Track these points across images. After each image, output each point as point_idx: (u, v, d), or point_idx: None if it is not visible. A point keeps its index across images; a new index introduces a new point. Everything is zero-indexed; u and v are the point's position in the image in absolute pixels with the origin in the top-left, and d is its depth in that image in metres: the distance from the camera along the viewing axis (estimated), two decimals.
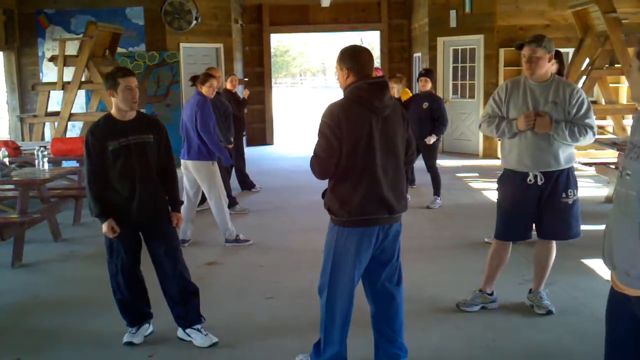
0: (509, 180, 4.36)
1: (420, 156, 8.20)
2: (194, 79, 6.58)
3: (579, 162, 8.18)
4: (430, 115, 7.85)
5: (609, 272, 2.44)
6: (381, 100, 3.30)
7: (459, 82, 12.84)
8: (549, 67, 4.21)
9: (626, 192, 2.29)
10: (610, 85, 10.45)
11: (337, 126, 3.26)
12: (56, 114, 10.02)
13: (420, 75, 8.11)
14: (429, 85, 7.99)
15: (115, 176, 3.92)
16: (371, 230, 3.38)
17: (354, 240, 3.37)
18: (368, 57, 3.41)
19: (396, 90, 8.45)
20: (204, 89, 6.32)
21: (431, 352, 3.99)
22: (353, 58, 3.35)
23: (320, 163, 3.34)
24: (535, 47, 4.12)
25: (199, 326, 4.16)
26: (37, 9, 11.80)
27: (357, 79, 3.32)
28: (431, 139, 7.83)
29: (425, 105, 7.87)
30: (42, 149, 6.87)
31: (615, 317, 2.45)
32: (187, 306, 4.13)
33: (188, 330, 4.14)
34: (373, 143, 3.27)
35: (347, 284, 3.46)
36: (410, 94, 8.70)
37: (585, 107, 4.15)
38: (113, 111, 3.99)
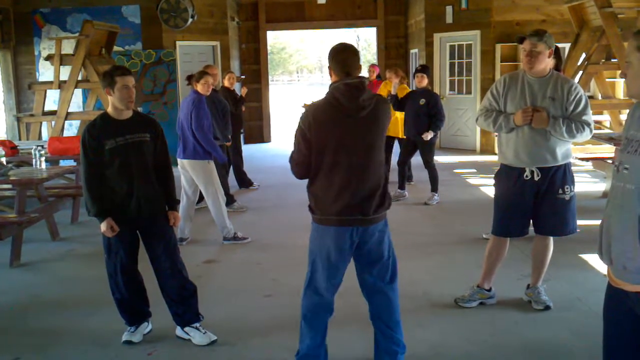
0: (506, 175, 4.36)
1: (417, 152, 8.23)
2: (190, 78, 6.58)
3: (576, 157, 8.20)
4: (427, 112, 7.85)
5: (606, 267, 2.45)
6: (356, 102, 3.24)
7: (456, 78, 12.84)
8: (549, 62, 4.21)
9: (623, 185, 2.29)
10: (607, 80, 10.47)
11: (308, 128, 3.27)
12: (53, 113, 10.01)
13: (417, 71, 8.12)
14: (425, 82, 7.99)
15: (113, 175, 3.92)
16: (343, 230, 3.33)
17: (326, 240, 3.38)
18: (349, 55, 3.33)
19: (393, 83, 8.45)
20: (199, 87, 6.32)
21: (429, 348, 4.00)
22: (334, 57, 3.33)
23: (294, 164, 3.41)
24: (536, 41, 4.12)
25: (197, 324, 4.17)
26: (33, 8, 11.77)
27: (337, 78, 3.30)
28: (428, 135, 7.84)
29: (423, 101, 7.87)
30: (39, 148, 6.86)
31: (613, 313, 2.46)
32: (185, 304, 4.14)
33: (187, 329, 4.15)
34: (345, 144, 3.25)
35: (320, 283, 3.48)
36: (408, 89, 8.69)
37: (583, 103, 4.15)
38: (109, 110, 3.99)
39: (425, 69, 8.21)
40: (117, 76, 3.88)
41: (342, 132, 3.24)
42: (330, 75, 3.38)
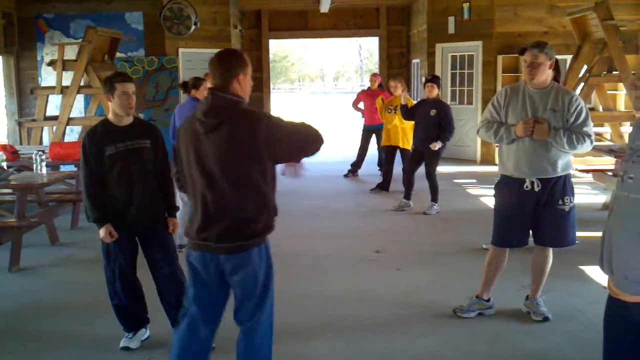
0: (506, 186, 4.37)
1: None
2: (184, 86, 6.53)
3: (576, 169, 8.19)
4: (437, 122, 7.83)
5: (606, 279, 2.45)
6: (200, 114, 2.97)
7: (457, 88, 12.85)
8: (550, 74, 4.23)
9: (628, 195, 2.29)
10: (608, 92, 10.48)
11: (177, 142, 3.12)
12: (55, 118, 10.02)
13: (427, 81, 8.09)
14: (435, 92, 7.96)
15: (113, 181, 3.93)
16: (199, 255, 3.05)
17: (191, 263, 3.11)
18: (214, 64, 3.04)
19: (403, 95, 8.44)
20: (198, 94, 6.29)
21: (428, 357, 3.99)
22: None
23: None
24: (537, 53, 4.14)
25: None
26: (37, 13, 11.81)
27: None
28: (436, 145, 7.80)
29: (433, 112, 7.84)
30: (40, 153, 6.86)
31: (613, 325, 2.46)
32: None
33: None
34: (193, 160, 2.99)
35: (192, 311, 3.14)
36: (412, 102, 8.70)
37: (583, 115, 4.16)
38: (110, 116, 4.01)
39: (436, 79, 8.19)
40: (117, 83, 3.90)
41: (193, 148, 2.98)
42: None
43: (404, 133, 8.98)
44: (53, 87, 9.96)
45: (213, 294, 3.12)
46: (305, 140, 3.05)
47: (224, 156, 2.92)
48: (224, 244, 2.97)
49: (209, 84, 6.40)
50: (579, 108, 4.17)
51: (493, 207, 4.60)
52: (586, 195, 8.70)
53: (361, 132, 10.89)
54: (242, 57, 3.10)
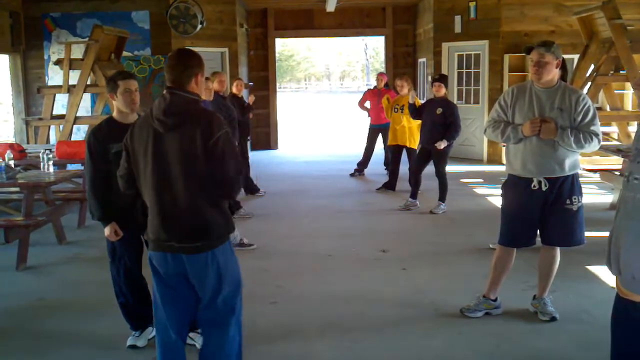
0: (514, 186, 4.36)
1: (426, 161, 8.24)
2: None
3: (584, 169, 8.17)
4: (443, 121, 7.82)
5: (614, 279, 2.44)
6: (159, 113, 2.95)
7: (464, 87, 12.83)
8: (556, 73, 4.21)
9: (634, 195, 2.29)
10: (615, 91, 10.44)
11: (130, 141, 3.09)
12: (61, 117, 10.04)
13: (434, 80, 8.09)
14: (443, 91, 7.95)
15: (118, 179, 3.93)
16: (158, 255, 3.05)
17: (152, 265, 3.12)
18: (172, 63, 3.03)
19: (411, 94, 8.44)
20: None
21: (434, 357, 3.98)
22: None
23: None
24: (544, 52, 4.12)
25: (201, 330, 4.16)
26: (43, 12, 11.84)
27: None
28: (442, 144, 7.79)
29: (439, 110, 7.84)
30: (47, 151, 6.88)
31: (621, 325, 2.45)
32: None
33: (191, 334, 4.14)
34: (149, 160, 2.97)
35: (159, 313, 3.17)
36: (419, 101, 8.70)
37: (591, 114, 4.15)
38: (115, 114, 4.03)
39: (443, 78, 8.19)
40: (119, 80, 3.93)
41: (146, 147, 2.98)
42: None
43: (410, 132, 8.97)
44: (60, 86, 9.98)
45: (178, 294, 3.12)
46: (235, 170, 2.98)
47: (182, 154, 2.91)
48: (185, 244, 2.97)
49: (210, 84, 6.42)
50: (586, 107, 4.15)
51: (500, 206, 4.59)
52: (593, 195, 8.67)
53: (367, 132, 10.88)
54: (200, 58, 3.10)
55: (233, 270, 3.15)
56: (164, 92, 3.01)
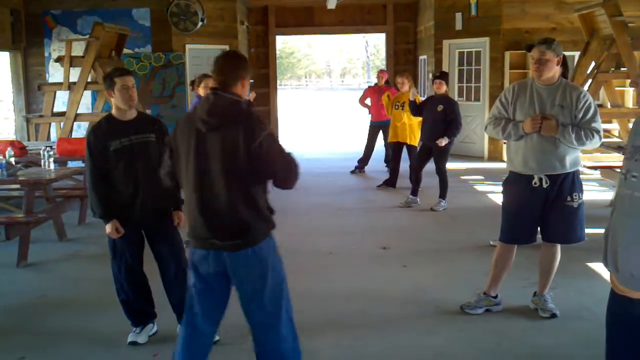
0: (514, 183, 4.36)
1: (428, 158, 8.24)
2: (192, 84, 6.59)
3: (584, 166, 8.16)
4: (444, 118, 7.82)
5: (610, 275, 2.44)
6: (203, 113, 2.98)
7: (465, 84, 12.83)
8: (557, 70, 4.21)
9: (631, 193, 2.29)
10: (616, 88, 10.43)
11: (174, 140, 3.13)
12: (62, 114, 10.05)
13: (435, 77, 8.09)
14: (443, 88, 7.95)
15: (118, 176, 3.94)
16: (200, 252, 3.09)
17: (194, 260, 3.14)
18: (213, 67, 3.08)
19: (412, 91, 8.44)
20: (201, 90, 6.34)
21: (435, 355, 3.99)
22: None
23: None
24: (544, 49, 4.12)
25: None
26: (44, 9, 11.84)
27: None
28: (443, 141, 7.78)
29: (440, 107, 7.84)
30: (48, 149, 6.89)
31: (616, 321, 2.46)
32: None
33: None
34: (191, 159, 3.00)
35: (193, 307, 3.19)
36: (420, 99, 8.70)
37: (592, 111, 4.14)
38: (113, 111, 4.03)
39: (444, 75, 8.19)
40: (115, 77, 3.92)
41: (189, 146, 3.01)
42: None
43: (411, 129, 8.97)
44: (60, 83, 9.99)
45: (215, 291, 3.14)
46: (287, 171, 3.08)
47: (224, 154, 2.94)
48: (226, 241, 3.00)
49: (211, 83, 6.41)
50: (587, 104, 4.15)
51: (501, 203, 4.59)
52: (594, 192, 8.67)
53: (368, 129, 10.88)
54: (248, 62, 3.16)
55: (275, 268, 3.14)
56: (208, 92, 3.04)
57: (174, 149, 3.12)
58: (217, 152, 2.95)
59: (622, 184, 2.35)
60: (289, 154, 3.08)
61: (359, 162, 10.97)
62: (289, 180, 3.11)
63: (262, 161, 2.96)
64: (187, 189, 3.09)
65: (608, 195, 8.37)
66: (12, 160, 6.56)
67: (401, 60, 15.28)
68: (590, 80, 9.73)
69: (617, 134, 10.51)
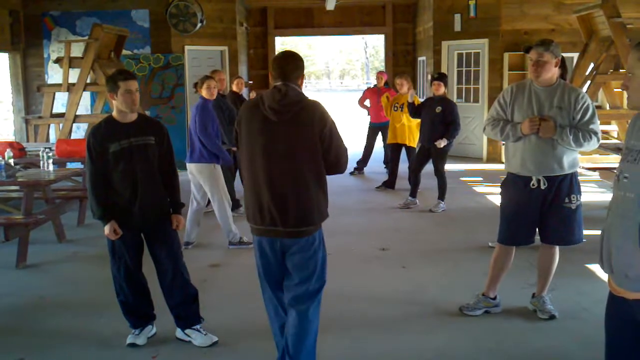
0: (513, 184, 4.36)
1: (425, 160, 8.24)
2: (196, 86, 6.60)
3: (583, 167, 8.17)
4: (442, 120, 7.83)
5: (607, 276, 2.45)
6: (274, 103, 3.19)
7: (464, 86, 12.84)
8: (555, 71, 4.21)
9: (624, 194, 2.30)
10: (615, 90, 10.43)
11: (238, 124, 3.35)
12: (61, 115, 10.05)
13: (434, 79, 8.10)
14: (442, 89, 7.95)
15: (117, 178, 3.93)
16: (264, 240, 3.30)
17: (256, 249, 3.39)
18: (278, 63, 3.32)
19: (410, 92, 8.45)
20: (204, 92, 6.34)
21: (434, 356, 3.99)
22: (273, 64, 3.38)
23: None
24: (542, 51, 4.12)
25: (198, 326, 4.18)
26: (43, 10, 11.84)
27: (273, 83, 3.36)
28: (441, 143, 7.79)
29: (439, 109, 7.84)
30: (47, 150, 6.89)
31: (614, 322, 2.47)
32: (187, 307, 4.15)
33: (187, 331, 4.16)
34: (260, 147, 3.22)
35: (265, 294, 3.49)
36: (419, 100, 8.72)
37: (590, 112, 4.15)
38: (114, 113, 4.02)
39: (443, 76, 8.19)
40: (120, 81, 3.91)
41: (258, 134, 3.23)
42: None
43: (410, 131, 8.99)
44: (59, 85, 9.99)
45: (277, 274, 3.37)
46: (343, 157, 3.34)
47: (293, 143, 3.18)
48: (291, 228, 3.20)
49: (212, 83, 6.43)
50: (585, 105, 4.16)
51: (499, 205, 4.60)
52: (592, 193, 8.68)
53: (367, 130, 10.89)
54: (304, 61, 3.42)
55: (324, 253, 3.38)
56: (278, 84, 3.26)
57: (238, 137, 3.33)
58: (285, 140, 3.18)
59: (616, 185, 2.37)
60: (342, 143, 3.34)
61: (358, 163, 10.98)
62: (343, 166, 3.35)
63: (325, 146, 3.22)
64: (250, 177, 3.27)
65: (606, 196, 8.37)
66: (11, 161, 6.56)
67: (400, 61, 15.30)
68: (588, 82, 9.75)
69: (615, 136, 10.52)
